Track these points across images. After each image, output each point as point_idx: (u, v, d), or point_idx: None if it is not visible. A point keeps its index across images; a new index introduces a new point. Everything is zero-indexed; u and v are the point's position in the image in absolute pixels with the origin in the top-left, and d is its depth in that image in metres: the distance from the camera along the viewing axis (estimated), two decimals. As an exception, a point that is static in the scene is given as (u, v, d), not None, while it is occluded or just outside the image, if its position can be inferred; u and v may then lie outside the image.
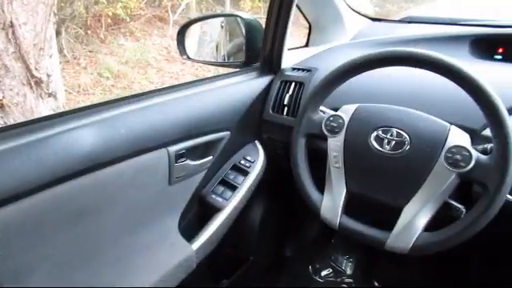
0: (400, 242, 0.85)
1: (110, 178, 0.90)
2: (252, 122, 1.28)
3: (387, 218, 0.88)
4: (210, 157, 1.15)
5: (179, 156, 1.04)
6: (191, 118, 1.07)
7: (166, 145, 1.01)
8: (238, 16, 1.40)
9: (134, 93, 1.02)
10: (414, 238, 0.84)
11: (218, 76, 1.29)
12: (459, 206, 0.85)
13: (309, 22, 1.60)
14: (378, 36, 1.45)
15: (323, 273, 1.67)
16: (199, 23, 1.57)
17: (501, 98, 0.96)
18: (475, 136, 0.88)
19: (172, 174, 1.04)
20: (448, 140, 0.83)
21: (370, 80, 1.06)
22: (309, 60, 1.36)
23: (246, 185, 1.21)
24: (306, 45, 1.63)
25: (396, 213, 0.87)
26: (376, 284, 1.60)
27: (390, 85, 1.08)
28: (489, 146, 0.82)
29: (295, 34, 2.22)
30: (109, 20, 5.55)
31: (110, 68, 5.03)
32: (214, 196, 1.19)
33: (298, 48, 1.60)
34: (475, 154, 0.81)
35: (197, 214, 1.19)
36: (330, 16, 1.53)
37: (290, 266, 1.67)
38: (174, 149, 1.03)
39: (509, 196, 0.91)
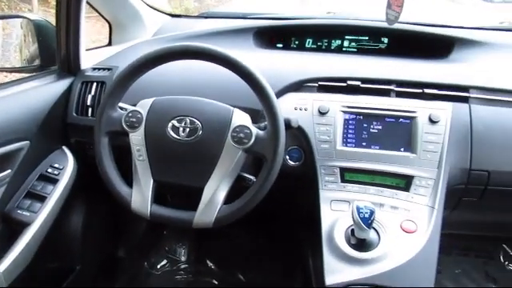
0: (204, 218, 0.94)
1: None
2: (55, 127, 1.22)
3: (193, 199, 0.96)
4: (8, 170, 1.07)
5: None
6: None
7: None
8: (24, 17, 1.31)
9: None
10: (216, 212, 0.93)
11: (10, 82, 1.19)
12: (250, 177, 0.99)
13: (108, 21, 1.59)
14: (179, 31, 1.53)
15: (159, 265, 1.72)
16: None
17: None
18: (256, 115, 1.02)
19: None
20: (232, 121, 0.95)
21: (167, 74, 1.13)
22: (110, 59, 1.36)
23: (56, 194, 1.16)
24: (109, 44, 1.62)
25: (199, 193, 0.96)
26: (209, 263, 1.71)
27: (184, 77, 1.16)
28: (265, 123, 0.97)
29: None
30: None
31: None
32: (19, 211, 1.11)
33: (99, 47, 1.57)
34: (255, 130, 0.94)
35: (1, 233, 1.10)
36: (129, 14, 1.55)
37: (124, 267, 1.66)
38: None
39: (289, 161, 1.10)
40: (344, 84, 1.12)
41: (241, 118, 0.96)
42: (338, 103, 1.10)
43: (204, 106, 0.99)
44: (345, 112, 1.09)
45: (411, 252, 0.92)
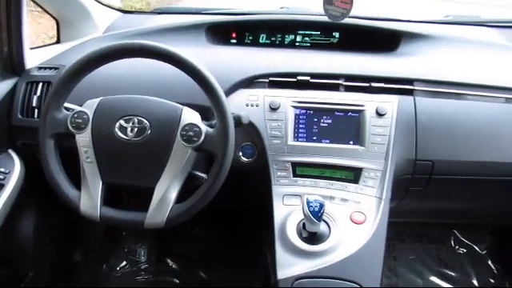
0: (156, 218, 0.93)
1: None
2: None
3: (145, 199, 0.95)
4: None
5: None
6: None
7: None
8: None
9: None
10: (168, 212, 0.93)
11: None
12: (202, 175, 0.98)
13: (55, 18, 1.53)
14: (130, 28, 1.50)
15: (119, 267, 1.69)
16: None
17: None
18: (207, 112, 1.01)
19: None
20: (181, 120, 0.94)
21: (114, 72, 1.10)
22: (58, 57, 1.31)
23: (2, 199, 1.12)
24: (58, 41, 1.57)
25: (151, 193, 0.94)
26: (170, 262, 1.70)
27: (132, 76, 1.14)
28: (215, 120, 0.96)
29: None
30: None
31: None
32: None
33: (47, 45, 1.52)
34: (204, 128, 0.93)
35: None
36: (76, 11, 1.50)
37: (81, 271, 1.62)
38: None
39: (242, 157, 1.11)
40: (294, 79, 1.13)
41: (190, 116, 0.95)
42: (288, 99, 1.11)
43: (152, 104, 0.97)
44: (295, 107, 1.10)
45: (360, 242, 0.94)
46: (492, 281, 1.64)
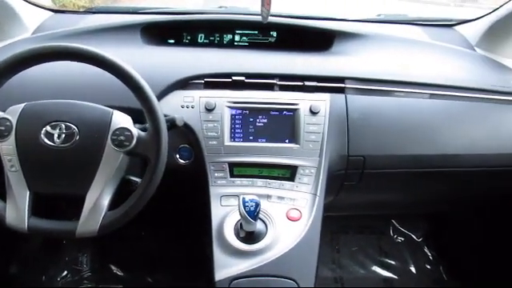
0: (88, 226, 0.90)
1: None
2: None
3: (77, 208, 0.91)
4: None
5: None
6: None
7: None
8: None
9: None
10: (100, 219, 0.90)
11: None
12: (137, 179, 0.96)
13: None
14: (63, 28, 1.43)
15: (59, 277, 1.62)
16: None
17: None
18: (139, 116, 0.99)
19: None
20: (112, 124, 0.91)
21: (39, 76, 1.05)
22: None
23: None
24: (-18, 43, 1.47)
25: (82, 201, 0.91)
26: (114, 268, 1.65)
27: (59, 79, 1.09)
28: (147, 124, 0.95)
29: None
30: None
31: None
32: None
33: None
34: (136, 132, 0.91)
35: None
36: (1, 10, 1.42)
37: (19, 284, 1.55)
38: None
39: (179, 159, 1.10)
40: (229, 80, 1.13)
41: (121, 120, 0.93)
42: (224, 99, 1.11)
43: (80, 109, 0.94)
44: (231, 107, 1.10)
45: (296, 239, 0.96)
46: (428, 266, 1.74)
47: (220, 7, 1.71)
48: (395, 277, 1.69)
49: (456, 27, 1.57)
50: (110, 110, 0.94)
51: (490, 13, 1.43)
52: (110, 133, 0.91)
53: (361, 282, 1.66)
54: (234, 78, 1.13)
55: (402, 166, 1.16)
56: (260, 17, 1.44)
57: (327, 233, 1.78)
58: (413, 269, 1.73)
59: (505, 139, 1.17)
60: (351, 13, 1.66)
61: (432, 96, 1.17)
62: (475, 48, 1.45)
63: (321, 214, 1.01)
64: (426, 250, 1.78)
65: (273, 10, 1.62)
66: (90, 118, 0.92)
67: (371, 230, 1.81)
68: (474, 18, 1.53)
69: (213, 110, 1.09)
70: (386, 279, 1.69)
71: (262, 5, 0.95)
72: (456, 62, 1.33)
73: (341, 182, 1.18)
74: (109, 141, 0.90)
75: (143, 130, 0.94)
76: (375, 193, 1.33)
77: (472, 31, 1.49)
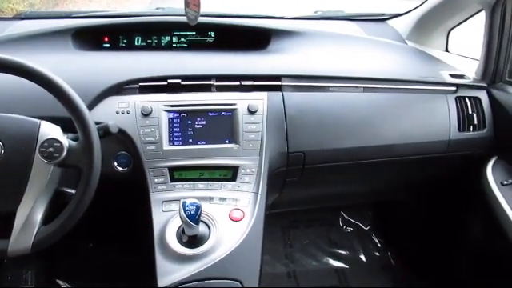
0: (21, 243, 0.86)
1: None
2: None
3: (7, 226, 0.87)
4: None
5: None
6: None
7: None
8: None
9: None
10: (34, 235, 0.86)
11: None
12: (71, 191, 0.93)
13: None
14: None
15: (2, 297, 1.54)
16: None
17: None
18: (71, 125, 0.95)
19: None
20: (40, 135, 0.88)
21: None
22: None
23: None
24: None
25: (14, 217, 0.87)
26: (61, 283, 1.59)
27: None
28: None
29: None
30: None
31: None
32: None
33: None
34: (67, 142, 0.88)
35: None
36: None
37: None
38: None
39: (118, 167, 1.07)
40: (165, 83, 1.11)
41: (49, 131, 0.89)
42: (160, 103, 1.09)
43: (5, 121, 0.89)
44: (168, 111, 1.09)
45: (239, 239, 0.96)
46: (377, 254, 1.80)
47: (157, 9, 1.68)
48: (346, 266, 1.74)
49: (388, 21, 1.63)
50: (38, 120, 0.90)
51: (418, 6, 1.50)
52: (38, 145, 0.87)
53: (313, 274, 1.69)
54: (169, 80, 1.11)
55: (340, 159, 1.19)
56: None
57: (278, 229, 1.80)
58: (362, 257, 1.78)
59: (434, 127, 1.23)
60: (289, 11, 1.67)
61: (366, 89, 1.20)
62: (406, 41, 1.51)
63: (263, 212, 1.02)
64: (373, 237, 1.84)
65: (211, 10, 1.62)
66: (15, 131, 0.88)
67: (320, 222, 1.85)
68: (404, 12, 1.60)
69: (149, 114, 1.07)
70: (338, 269, 1.73)
71: (187, 6, 0.94)
72: (388, 55, 1.39)
73: (283, 179, 1.20)
74: (37, 153, 0.87)
75: (75, 139, 0.91)
76: (318, 187, 1.36)
77: (403, 25, 1.55)
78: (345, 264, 1.75)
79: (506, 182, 1.16)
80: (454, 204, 1.52)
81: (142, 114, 1.07)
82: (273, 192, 1.12)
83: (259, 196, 1.04)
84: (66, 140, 0.89)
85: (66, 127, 0.92)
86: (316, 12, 1.69)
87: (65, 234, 0.88)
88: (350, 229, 1.86)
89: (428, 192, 1.60)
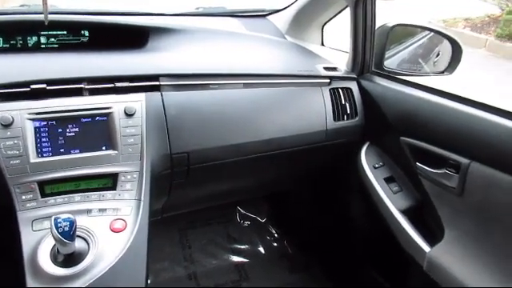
0: None
1: None
2: None
3: None
4: None
5: None
6: None
7: None
8: None
9: None
10: None
11: None
12: None
13: None
14: None
15: None
16: None
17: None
18: None
19: None
20: None
21: None
22: None
23: None
24: None
25: None
26: None
27: None
28: None
29: None
30: None
31: None
32: None
33: None
34: None
35: None
36: None
37: None
38: None
39: None
40: (27, 89, 1.01)
41: None
42: (23, 111, 0.98)
43: None
44: (34, 120, 0.98)
45: (121, 250, 0.91)
46: (275, 244, 1.85)
47: (22, 6, 1.52)
48: (246, 260, 1.76)
49: (269, 17, 1.67)
50: None
51: (294, 2, 1.56)
52: None
53: (214, 272, 1.69)
54: (32, 86, 1.01)
55: (226, 156, 1.19)
56: (70, 15, 1.32)
57: (175, 231, 1.77)
58: (261, 249, 1.82)
59: (312, 118, 1.28)
60: (170, 7, 1.62)
61: (246, 85, 1.21)
62: (285, 36, 1.56)
63: (147, 220, 0.98)
64: (270, 228, 1.89)
65: (84, 7, 1.51)
66: None
67: (218, 220, 1.85)
68: (282, 7, 1.65)
69: (10, 125, 0.96)
70: (238, 264, 1.74)
71: (44, 3, 0.85)
72: (268, 50, 1.42)
73: (169, 182, 1.16)
74: None
75: None
76: (207, 186, 1.34)
77: (282, 20, 1.60)
78: (244, 258, 1.77)
79: (376, 165, 1.27)
80: (336, 189, 1.61)
81: (2, 125, 0.95)
82: (160, 196, 1.08)
83: (142, 203, 0.99)
84: None
85: None
86: (197, 8, 1.67)
87: None
88: (247, 223, 1.89)
89: (313, 180, 1.68)
